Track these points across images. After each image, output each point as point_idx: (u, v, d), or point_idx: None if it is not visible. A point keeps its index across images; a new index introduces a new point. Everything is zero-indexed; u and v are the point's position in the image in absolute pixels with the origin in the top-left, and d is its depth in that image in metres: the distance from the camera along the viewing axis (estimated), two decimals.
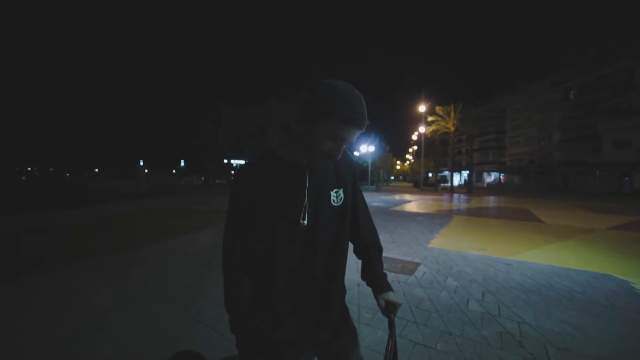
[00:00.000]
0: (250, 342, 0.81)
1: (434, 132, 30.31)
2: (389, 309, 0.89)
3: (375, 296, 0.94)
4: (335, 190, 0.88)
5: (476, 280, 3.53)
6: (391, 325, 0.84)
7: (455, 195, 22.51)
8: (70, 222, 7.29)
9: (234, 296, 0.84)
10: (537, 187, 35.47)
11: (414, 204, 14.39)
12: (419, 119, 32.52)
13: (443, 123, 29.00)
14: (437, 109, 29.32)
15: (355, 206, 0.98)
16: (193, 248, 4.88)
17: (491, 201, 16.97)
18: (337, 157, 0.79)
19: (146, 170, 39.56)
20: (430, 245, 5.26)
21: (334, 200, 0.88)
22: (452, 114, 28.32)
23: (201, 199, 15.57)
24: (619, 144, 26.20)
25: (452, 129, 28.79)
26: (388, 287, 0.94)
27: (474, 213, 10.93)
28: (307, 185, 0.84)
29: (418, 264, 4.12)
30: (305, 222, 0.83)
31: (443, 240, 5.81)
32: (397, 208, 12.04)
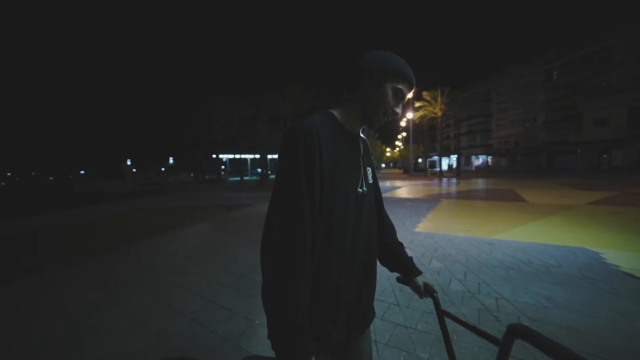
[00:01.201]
0: (308, 337, 0.68)
1: (421, 117, 30.45)
2: (430, 290, 0.94)
3: (410, 280, 0.98)
4: (367, 167, 0.89)
5: (459, 261, 3.63)
6: (438, 305, 0.89)
7: (444, 180, 22.86)
8: (57, 225, 7.12)
9: (298, 279, 0.67)
10: (524, 168, 36.28)
11: (403, 189, 14.56)
12: (406, 104, 32.56)
13: (430, 108, 29.11)
14: (425, 94, 29.36)
15: (377, 188, 0.99)
16: (178, 245, 4.85)
17: (478, 184, 17.31)
18: (398, 115, 0.84)
19: (134, 170, 38.71)
20: (416, 230, 5.36)
21: (367, 177, 0.89)
22: (439, 98, 28.42)
23: (189, 195, 15.39)
24: (598, 123, 26.93)
25: (440, 113, 28.97)
26: (419, 270, 0.99)
27: (460, 196, 11.15)
28: (361, 153, 0.86)
29: None
30: (365, 189, 0.83)
31: (429, 223, 5.92)
32: (387, 194, 12.16)
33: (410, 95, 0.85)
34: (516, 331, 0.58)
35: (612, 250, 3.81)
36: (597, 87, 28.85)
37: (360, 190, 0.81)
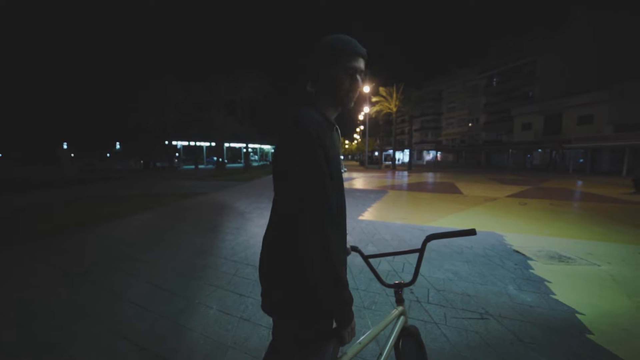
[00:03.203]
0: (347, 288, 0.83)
1: (378, 112, 31.68)
2: (354, 248, 1.23)
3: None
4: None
5: (392, 244, 4.09)
6: (363, 254, 1.20)
7: (397, 173, 24.32)
8: None
9: (339, 249, 0.81)
10: (467, 164, 40.15)
11: (356, 181, 15.23)
12: (363, 99, 33.59)
13: (386, 104, 30.38)
14: (381, 89, 30.43)
15: None
16: (123, 233, 4.66)
17: (425, 177, 18.80)
18: (356, 93, 0.91)
19: (72, 154, 34.67)
20: (360, 218, 5.81)
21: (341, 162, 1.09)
22: (394, 94, 29.77)
23: (138, 184, 14.37)
24: (525, 127, 31.09)
25: (395, 109, 30.42)
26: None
27: (407, 188, 12.10)
28: (340, 139, 0.98)
29: None
30: (345, 170, 1.03)
31: (373, 212, 6.43)
32: None
33: (362, 66, 0.90)
34: (429, 237, 1.05)
35: (512, 233, 4.62)
36: (525, 95, 33.17)
37: (343, 171, 1.05)
